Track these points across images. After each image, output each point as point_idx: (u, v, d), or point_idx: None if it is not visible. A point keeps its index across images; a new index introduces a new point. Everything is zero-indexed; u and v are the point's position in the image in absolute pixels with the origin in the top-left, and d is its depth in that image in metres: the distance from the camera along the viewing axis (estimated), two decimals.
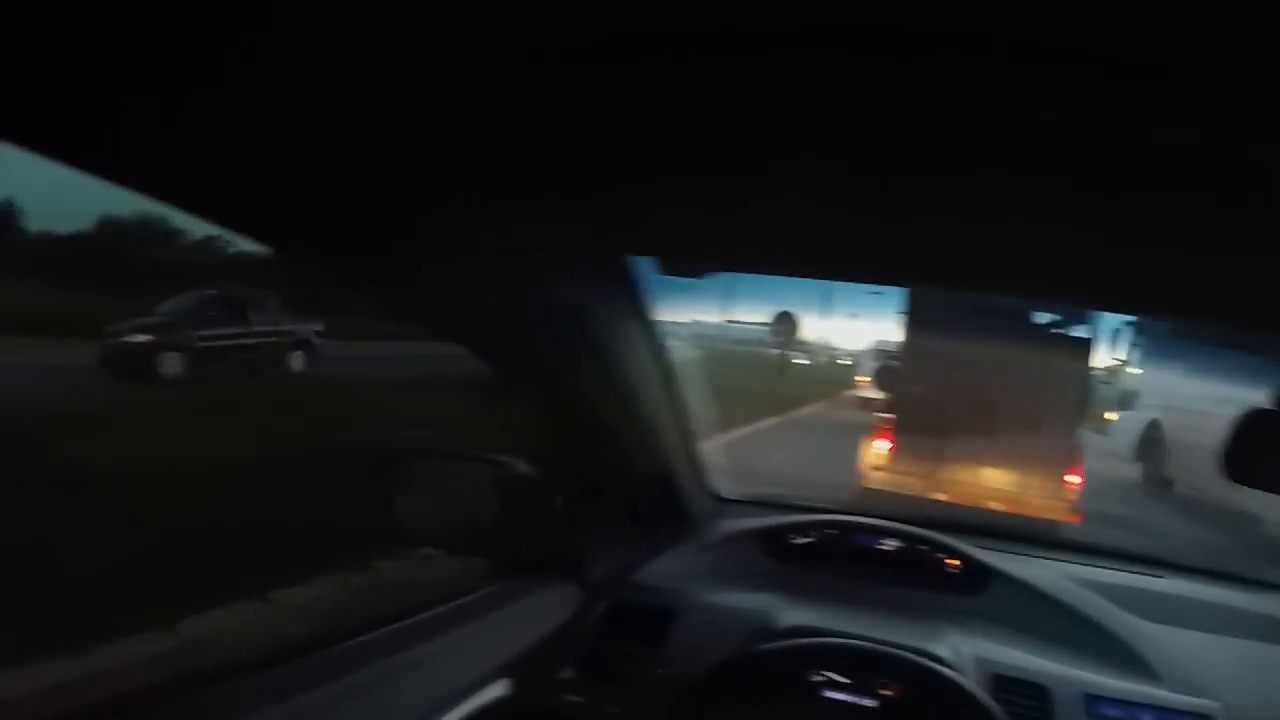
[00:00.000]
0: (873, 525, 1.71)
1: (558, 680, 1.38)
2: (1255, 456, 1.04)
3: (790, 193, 0.78)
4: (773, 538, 1.69)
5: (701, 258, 1.08)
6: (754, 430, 8.34)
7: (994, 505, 5.04)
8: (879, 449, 5.33)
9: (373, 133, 0.62)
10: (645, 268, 1.10)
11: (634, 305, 1.13)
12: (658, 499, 1.65)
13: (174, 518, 2.86)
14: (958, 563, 1.64)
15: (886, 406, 5.61)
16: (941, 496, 5.11)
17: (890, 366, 6.10)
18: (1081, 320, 5.64)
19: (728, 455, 6.44)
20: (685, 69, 0.55)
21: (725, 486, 1.92)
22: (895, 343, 5.89)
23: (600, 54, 0.53)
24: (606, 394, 1.21)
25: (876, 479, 5.26)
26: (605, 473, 1.49)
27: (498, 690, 1.22)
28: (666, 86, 0.58)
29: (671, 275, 1.08)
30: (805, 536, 1.69)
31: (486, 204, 0.76)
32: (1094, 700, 1.35)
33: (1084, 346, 5.50)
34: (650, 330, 1.22)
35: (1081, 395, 5.35)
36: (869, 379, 9.04)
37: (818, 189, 0.76)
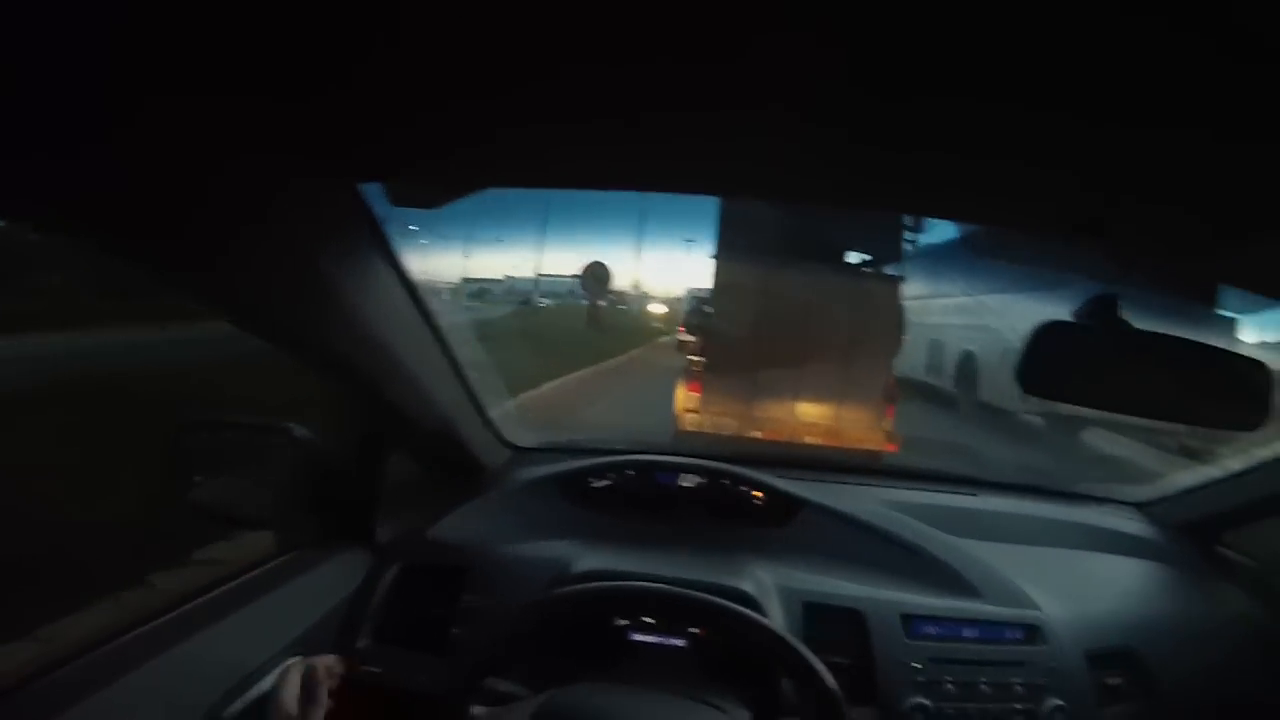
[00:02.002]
0: (672, 463, 1.73)
1: (354, 650, 1.36)
2: (1045, 367, 1.07)
3: (508, 95, 0.71)
4: (570, 483, 1.70)
5: (433, 182, 1.04)
6: (564, 383, 8.35)
7: (812, 439, 5.28)
8: (691, 393, 5.48)
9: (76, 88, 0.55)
10: (384, 212, 1.01)
11: (380, 252, 1.06)
12: (448, 455, 1.63)
13: None
14: (761, 495, 1.69)
15: (699, 349, 5.71)
16: (758, 434, 5.31)
17: (700, 309, 6.26)
18: (893, 256, 6.05)
19: (538, 409, 6.47)
20: None
21: (525, 437, 1.91)
22: (708, 287, 5.95)
23: None
24: (367, 350, 1.15)
25: (690, 421, 5.39)
26: (390, 433, 1.47)
27: (293, 666, 1.20)
28: None
29: (405, 205, 1.02)
30: (603, 479, 1.71)
31: (201, 149, 0.68)
32: (912, 620, 1.41)
33: (894, 281, 5.74)
34: (404, 280, 1.15)
35: (894, 328, 5.59)
36: (684, 324, 9.16)
37: (547, 95, 0.70)
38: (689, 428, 5.36)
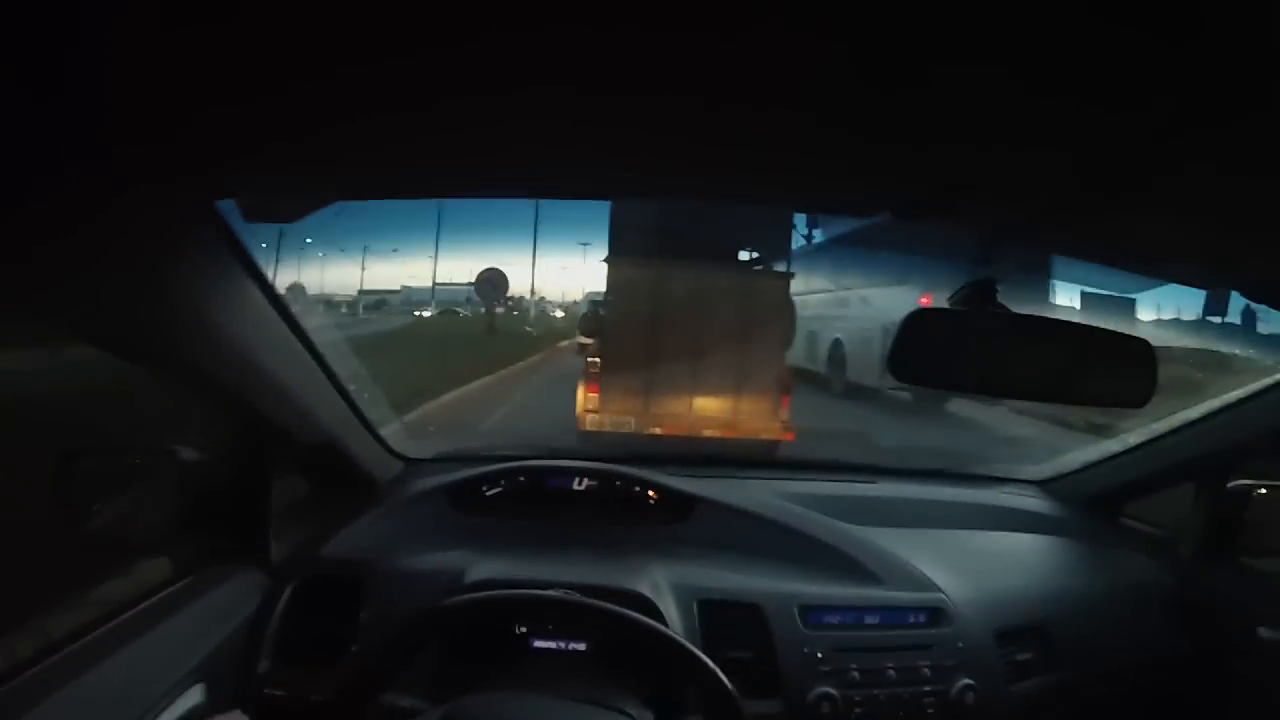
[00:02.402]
0: (563, 467, 1.74)
1: (255, 674, 1.35)
2: (917, 355, 1.06)
3: (352, 101, 0.66)
4: (462, 492, 1.70)
5: (284, 196, 1.01)
6: (463, 393, 8.25)
7: (711, 432, 5.42)
8: (590, 394, 5.54)
9: None
10: (237, 223, 0.98)
11: (240, 266, 1.03)
12: (338, 471, 1.62)
13: None
14: (655, 494, 1.70)
15: (596, 351, 5.79)
16: (658, 430, 5.40)
17: (595, 312, 6.27)
18: (781, 253, 6.29)
19: (435, 421, 6.33)
20: None
21: (416, 448, 1.91)
22: (602, 289, 6.06)
23: None
24: (235, 367, 1.14)
25: (590, 422, 5.45)
26: (274, 451, 1.44)
27: (194, 696, 1.20)
28: None
29: (258, 221, 1.01)
30: (495, 486, 1.71)
31: (39, 157, 0.64)
32: (811, 610, 1.44)
33: (782, 277, 6.05)
34: (269, 293, 1.13)
35: (785, 322, 5.83)
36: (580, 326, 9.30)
37: (399, 96, 0.66)
38: (590, 428, 5.41)
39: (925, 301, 6.83)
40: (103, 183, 0.73)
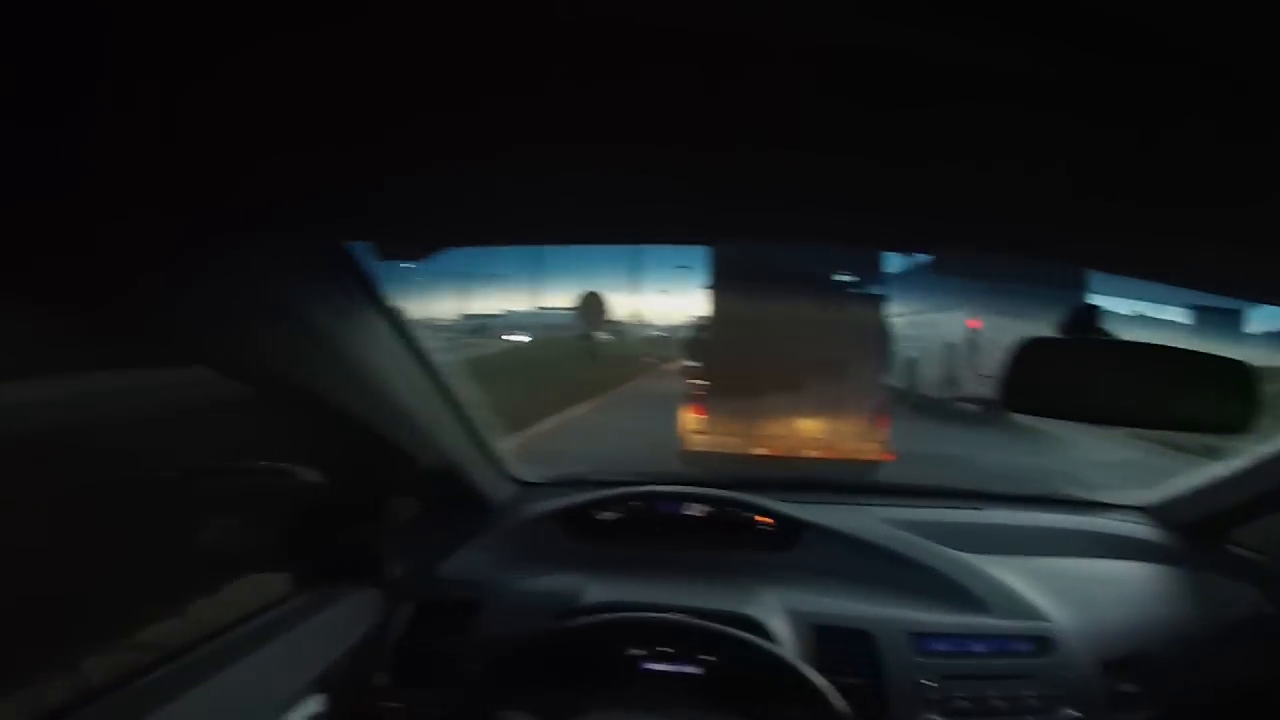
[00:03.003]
0: (676, 493, 1.76)
1: (371, 688, 1.38)
2: (1028, 384, 1.08)
3: (488, 158, 0.73)
4: (576, 517, 1.72)
5: (414, 237, 1.06)
6: (566, 417, 8.40)
7: (811, 453, 5.58)
8: (695, 415, 5.77)
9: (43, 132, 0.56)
10: (366, 256, 1.06)
11: (368, 298, 1.10)
12: (454, 492, 1.65)
13: None
14: (768, 520, 1.70)
15: (700, 374, 6.00)
16: (761, 452, 5.60)
17: (699, 336, 6.52)
18: (876, 277, 6.41)
19: (539, 443, 6.50)
20: (365, 28, 0.51)
21: (530, 472, 1.94)
22: (704, 313, 6.33)
23: (264, 24, 0.50)
24: (364, 394, 1.19)
25: (696, 443, 5.67)
26: (395, 473, 1.48)
27: (313, 706, 1.22)
28: (347, 48, 0.54)
29: (391, 259, 1.06)
30: (610, 512, 1.73)
31: (175, 204, 0.70)
32: (921, 638, 1.42)
33: (876, 300, 6.22)
34: (396, 322, 1.19)
35: (882, 344, 6.06)
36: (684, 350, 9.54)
37: (524, 151, 0.71)
38: (693, 448, 5.64)
39: (972, 325, 8.24)
40: (242, 224, 0.79)
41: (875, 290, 6.39)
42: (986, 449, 6.73)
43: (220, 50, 0.52)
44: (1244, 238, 0.81)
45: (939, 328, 8.87)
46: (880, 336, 6.07)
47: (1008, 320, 7.41)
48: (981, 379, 7.98)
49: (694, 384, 6.00)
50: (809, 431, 5.77)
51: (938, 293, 8.94)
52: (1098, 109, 0.58)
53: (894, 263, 7.93)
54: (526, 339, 17.51)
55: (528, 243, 1.10)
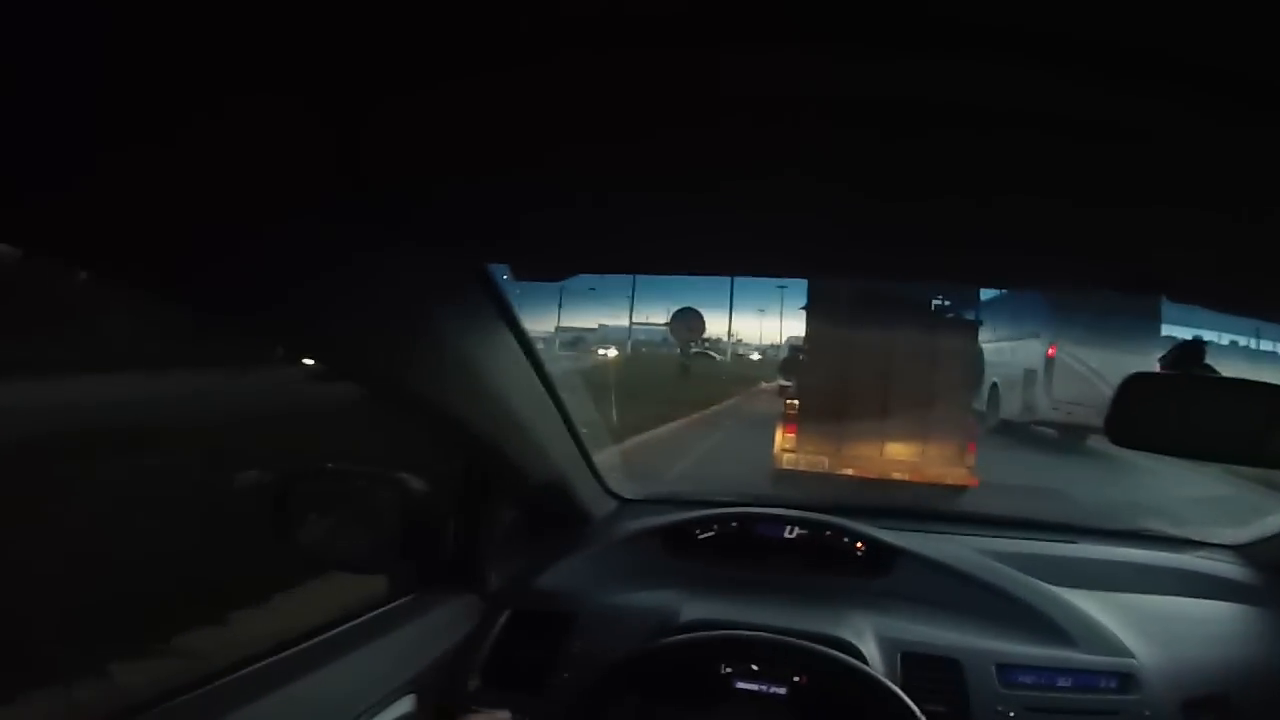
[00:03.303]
0: (774, 515, 1.76)
1: (464, 692, 1.41)
2: (1135, 418, 1.09)
3: (629, 190, 0.78)
4: (674, 535, 1.73)
5: (552, 261, 1.08)
6: (665, 431, 8.43)
7: (899, 475, 5.74)
8: (788, 434, 5.98)
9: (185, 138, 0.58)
10: (499, 274, 1.11)
11: (498, 313, 1.14)
12: (555, 505, 1.68)
13: (69, 565, 2.75)
14: (862, 545, 1.70)
15: (795, 394, 6.25)
16: (849, 472, 5.76)
17: (795, 357, 6.85)
18: (970, 303, 6.58)
19: (637, 459, 6.60)
20: (510, 71, 0.56)
21: (628, 488, 1.96)
22: (801, 335, 6.60)
23: (422, 61, 0.55)
24: (483, 405, 1.23)
25: (788, 460, 5.86)
26: (499, 484, 1.52)
27: (406, 705, 1.25)
28: (494, 88, 0.58)
29: (525, 279, 1.09)
30: (707, 531, 1.74)
31: (322, 218, 0.74)
32: (1007, 669, 1.41)
33: (971, 327, 6.45)
34: (521, 338, 1.23)
35: (972, 370, 6.28)
36: (780, 370, 9.70)
37: (661, 185, 0.76)
38: (786, 466, 5.86)
39: (1051, 353, 8.52)
40: (390, 242, 0.84)
41: (968, 316, 6.60)
42: (1075, 481, 6.64)
43: (399, 79, 0.57)
44: None
45: (1019, 354, 9.16)
46: (972, 363, 6.29)
47: (1085, 349, 8.30)
48: (1057, 404, 8.48)
49: (789, 403, 6.20)
50: (898, 454, 5.93)
51: (1020, 320, 9.17)
52: (1191, 149, 0.59)
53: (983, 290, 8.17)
54: (614, 354, 17.41)
55: (654, 272, 1.16)
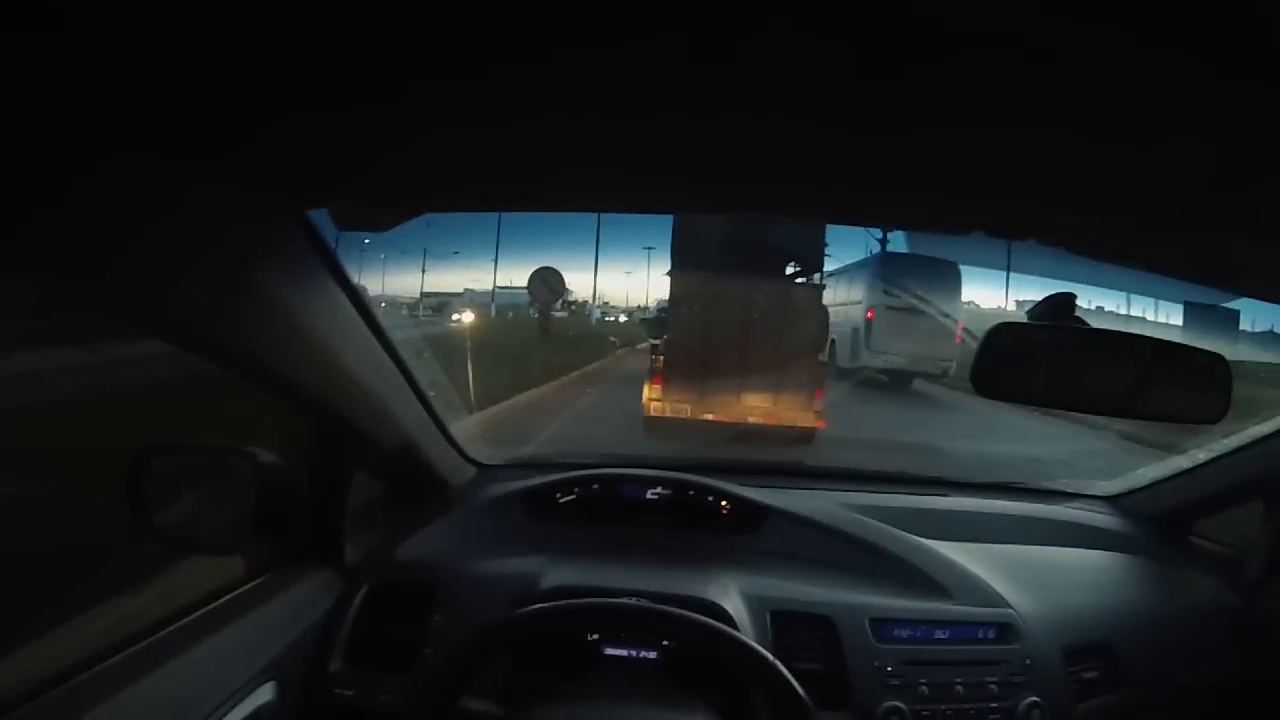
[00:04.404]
0: (635, 475, 1.76)
1: (327, 674, 1.36)
2: (1000, 368, 1.10)
3: (460, 127, 0.71)
4: (535, 499, 1.71)
5: (379, 205, 1.03)
6: (527, 398, 8.35)
7: (755, 419, 6.55)
8: (655, 385, 6.69)
9: None
10: (328, 232, 1.02)
11: (327, 269, 1.06)
12: (413, 474, 1.64)
13: None
14: (728, 504, 1.71)
15: (661, 349, 6.93)
16: (710, 417, 6.52)
17: (659, 316, 7.52)
18: (817, 266, 7.83)
19: (499, 427, 6.58)
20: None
21: (488, 454, 1.93)
22: (666, 295, 7.35)
23: None
24: (320, 369, 1.17)
25: (655, 408, 6.57)
26: (352, 454, 1.46)
27: (266, 694, 1.21)
28: (306, 7, 0.53)
29: (352, 229, 1.04)
30: (568, 494, 1.72)
31: (121, 164, 0.67)
32: (882, 624, 1.44)
33: (817, 290, 7.52)
34: (354, 297, 1.16)
35: (820, 326, 7.14)
36: (646, 328, 10.32)
37: (492, 112, 0.69)
38: (653, 413, 6.55)
39: (870, 316, 10.77)
40: (197, 186, 0.75)
41: (815, 279, 7.79)
42: (948, 436, 7.12)
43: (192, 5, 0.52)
44: (1236, 228, 0.82)
45: (850, 316, 11.18)
46: (819, 320, 7.14)
47: (894, 313, 10.66)
48: (875, 354, 10.78)
49: (655, 358, 6.91)
50: (754, 401, 6.69)
51: (851, 288, 11.51)
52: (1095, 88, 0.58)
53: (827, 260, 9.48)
54: (469, 318, 16.86)
55: (492, 209, 1.07)
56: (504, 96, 0.64)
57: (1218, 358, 1.11)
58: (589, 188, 0.95)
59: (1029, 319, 1.10)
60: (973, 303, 13.04)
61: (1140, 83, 0.56)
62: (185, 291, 0.85)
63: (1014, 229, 0.92)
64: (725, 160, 0.79)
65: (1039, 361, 1.08)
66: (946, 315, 10.36)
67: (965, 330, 10.55)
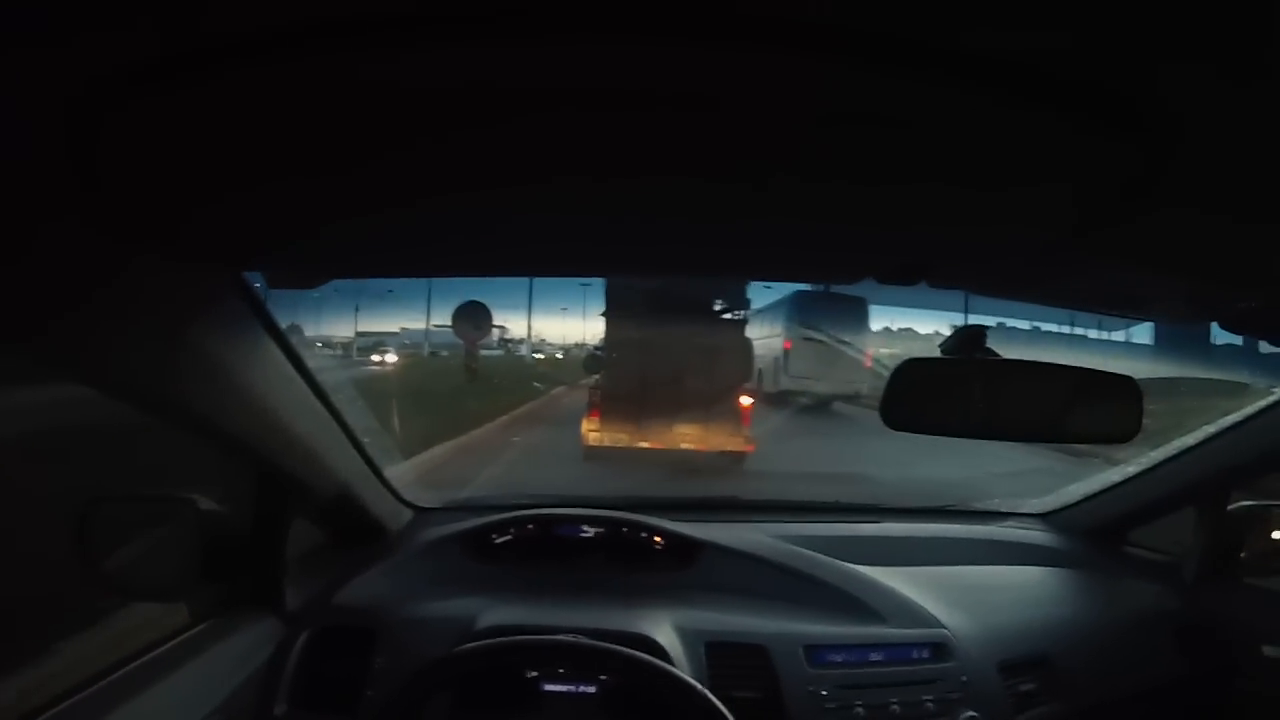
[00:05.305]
0: (569, 514, 1.80)
1: (272, 718, 1.38)
2: (909, 403, 1.13)
3: (383, 193, 0.74)
4: (472, 541, 1.73)
5: (309, 267, 1.05)
6: (466, 440, 8.14)
7: (688, 446, 6.95)
8: (593, 417, 7.05)
9: None
10: (256, 284, 1.07)
11: (259, 323, 1.10)
12: (350, 520, 1.66)
13: None
14: (661, 540, 1.75)
15: (598, 385, 7.37)
16: (646, 444, 6.89)
17: (596, 353, 8.05)
18: (740, 305, 8.24)
19: (434, 472, 6.49)
20: (254, 70, 0.53)
21: (425, 498, 1.95)
22: (602, 331, 7.82)
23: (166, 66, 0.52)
24: (257, 420, 1.20)
25: (594, 439, 6.93)
26: (291, 501, 1.48)
27: None
28: (239, 89, 0.55)
29: (281, 288, 1.07)
30: (505, 535, 1.75)
31: (60, 227, 0.70)
32: (816, 650, 1.47)
33: (741, 324, 8.15)
34: (287, 349, 1.20)
35: (745, 359, 7.73)
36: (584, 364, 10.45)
37: (415, 186, 0.73)
38: (593, 444, 6.92)
39: (787, 346, 11.83)
40: (136, 255, 0.80)
41: (740, 316, 8.28)
42: (824, 435, 7.96)
43: (134, 80, 0.54)
44: (1122, 262, 0.88)
45: (771, 347, 11.90)
46: (744, 353, 7.75)
47: (808, 344, 11.65)
48: (794, 380, 11.76)
49: (593, 392, 7.29)
50: (687, 430, 7.06)
51: (772, 323, 12.24)
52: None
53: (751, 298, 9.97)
54: (393, 360, 16.29)
55: (418, 275, 1.12)
56: (423, 172, 0.69)
57: (1127, 379, 1.15)
58: (509, 257, 1.02)
59: (941, 352, 1.12)
60: (910, 329, 14.21)
61: (997, 139, 0.61)
62: (125, 352, 0.90)
63: (903, 275, 0.98)
64: (628, 227, 0.85)
65: (951, 394, 1.11)
66: (847, 344, 11.58)
67: (875, 359, 11.56)
